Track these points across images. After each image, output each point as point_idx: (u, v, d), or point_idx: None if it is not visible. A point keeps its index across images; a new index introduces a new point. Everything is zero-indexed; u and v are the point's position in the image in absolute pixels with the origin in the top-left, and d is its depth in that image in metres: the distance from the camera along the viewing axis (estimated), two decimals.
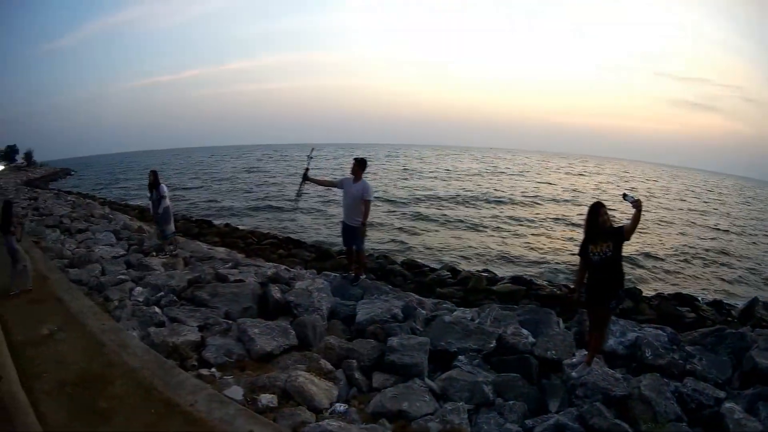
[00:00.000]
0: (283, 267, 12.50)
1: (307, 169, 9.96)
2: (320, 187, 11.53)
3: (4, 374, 5.71)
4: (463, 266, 17.71)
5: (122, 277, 10.36)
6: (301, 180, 10.21)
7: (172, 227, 12.64)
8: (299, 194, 11.16)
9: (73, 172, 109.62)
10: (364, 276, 10.53)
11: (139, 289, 9.53)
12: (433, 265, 17.16)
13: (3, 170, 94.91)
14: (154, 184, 12.21)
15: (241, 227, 24.82)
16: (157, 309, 8.33)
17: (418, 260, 17.72)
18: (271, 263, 13.76)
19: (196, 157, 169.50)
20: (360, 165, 9.58)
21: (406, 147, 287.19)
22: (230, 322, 7.79)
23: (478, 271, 16.27)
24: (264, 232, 23.31)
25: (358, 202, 9.46)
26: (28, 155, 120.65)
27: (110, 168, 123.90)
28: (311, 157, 10.31)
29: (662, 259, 22.19)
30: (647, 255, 22.42)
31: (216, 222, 26.35)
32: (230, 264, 11.80)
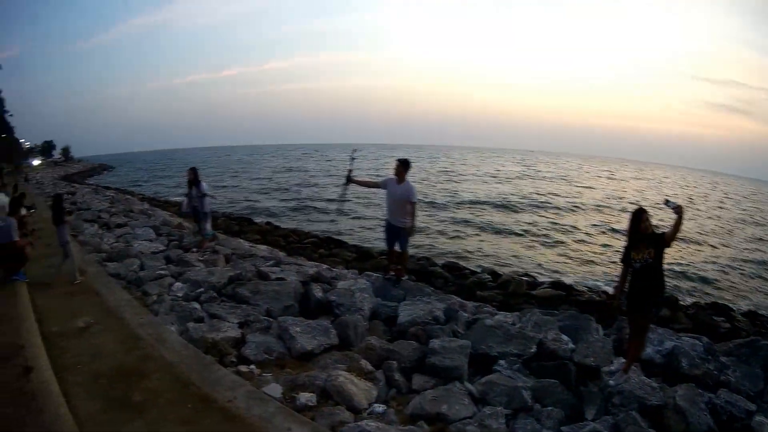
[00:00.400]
0: (325, 266, 12.58)
1: (350, 171, 10.10)
2: (364, 189, 11.47)
3: (36, 365, 5.71)
4: (504, 270, 17.70)
5: (161, 272, 10.51)
6: (344, 182, 10.34)
7: (210, 226, 12.67)
8: (343, 196, 11.32)
9: (111, 168, 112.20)
10: (406, 277, 10.56)
11: (178, 284, 9.64)
12: (474, 268, 17.21)
13: (40, 164, 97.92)
14: (194, 181, 12.21)
15: (282, 226, 25.13)
16: (196, 304, 8.44)
17: (459, 263, 17.72)
18: (312, 262, 13.88)
19: (236, 155, 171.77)
20: (403, 166, 9.66)
21: (448, 149, 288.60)
22: (271, 319, 7.85)
23: (518, 275, 16.33)
24: (305, 231, 23.54)
25: (403, 203, 9.54)
26: (66, 151, 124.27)
27: (148, 165, 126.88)
28: (354, 159, 10.38)
29: (699, 268, 22.13)
30: (685, 263, 22.71)
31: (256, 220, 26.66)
32: (272, 262, 11.93)
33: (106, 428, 4.65)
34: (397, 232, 9.85)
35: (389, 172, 9.93)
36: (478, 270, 16.77)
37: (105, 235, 15.91)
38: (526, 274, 17.07)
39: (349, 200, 11.07)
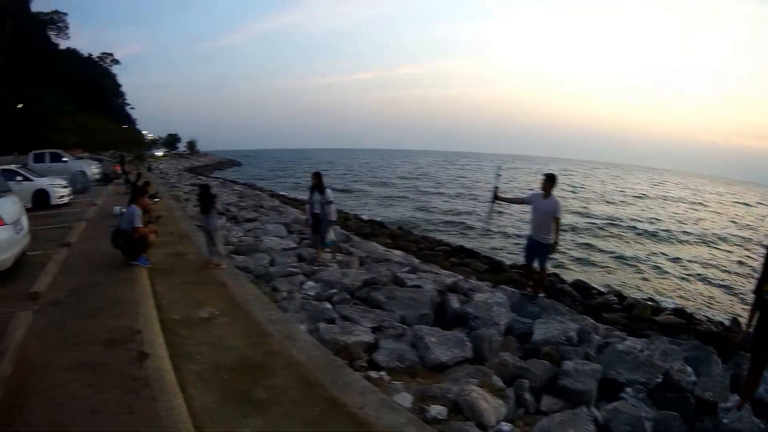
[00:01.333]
0: (461, 277, 12.34)
1: (496, 188, 10.41)
2: (514, 206, 11.38)
3: (152, 352, 5.74)
4: (628, 292, 17.49)
5: (292, 269, 10.74)
6: (491, 199, 10.69)
7: (332, 235, 12.44)
8: (490, 213, 11.48)
9: (238, 164, 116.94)
10: (542, 294, 10.59)
11: (310, 283, 9.82)
12: (601, 288, 17.16)
13: (162, 155, 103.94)
14: (317, 186, 11.97)
15: (414, 231, 25.49)
16: (328, 305, 8.55)
17: (587, 282, 17.69)
18: (447, 272, 13.73)
19: (363, 158, 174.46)
20: (550, 181, 9.79)
21: (578, 163, 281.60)
22: (405, 327, 7.97)
23: (643, 299, 16.22)
24: (437, 239, 23.74)
25: (548, 218, 9.65)
26: (191, 144, 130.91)
27: (274, 163, 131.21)
28: (499, 175, 10.56)
29: None
30: None
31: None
32: (407, 268, 11.92)
33: (222, 423, 4.71)
34: (539, 248, 9.94)
35: (524, 185, 9.90)
36: (605, 290, 16.83)
37: (233, 229, 16.60)
38: (651, 298, 17.01)
39: (496, 215, 10.93)
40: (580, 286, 16.49)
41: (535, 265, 10.33)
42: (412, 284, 10.00)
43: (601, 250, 26.83)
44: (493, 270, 17.11)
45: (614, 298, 15.15)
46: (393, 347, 7.06)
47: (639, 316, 13.15)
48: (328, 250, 12.08)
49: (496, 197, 10.43)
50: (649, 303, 15.23)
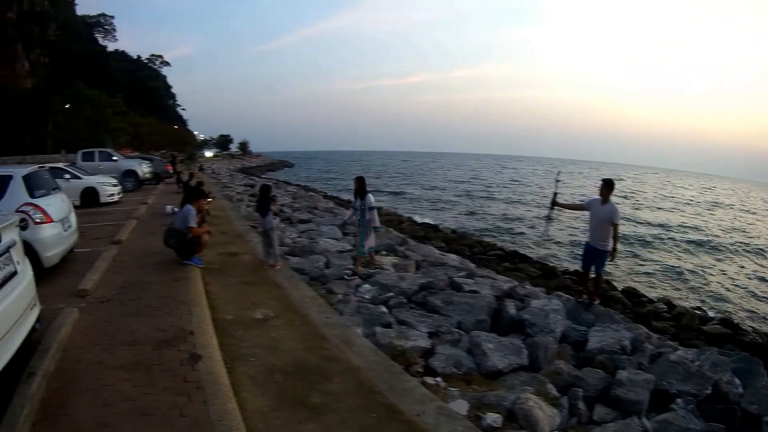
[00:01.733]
0: (517, 283, 12.31)
1: (555, 194, 10.54)
2: (567, 212, 11.24)
3: (205, 354, 5.69)
4: (676, 300, 17.87)
5: (348, 271, 10.77)
6: (549, 206, 10.77)
7: (372, 242, 12.05)
8: (549, 220, 11.30)
9: (291, 165, 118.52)
10: (597, 302, 10.60)
11: (367, 286, 9.84)
12: (651, 296, 17.64)
13: (213, 155, 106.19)
14: (359, 191, 11.67)
15: (467, 235, 26.02)
16: (384, 309, 8.57)
17: (638, 289, 18.12)
18: (504, 277, 13.95)
19: (415, 161, 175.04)
20: (607, 186, 9.84)
21: (629, 167, 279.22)
22: (462, 332, 8.00)
23: (691, 307, 16.66)
24: (490, 243, 24.18)
25: (606, 224, 9.70)
26: (243, 145, 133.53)
27: (325, 165, 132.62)
28: (558, 181, 10.61)
29: None
30: None
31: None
32: (464, 273, 11.91)
33: (276, 428, 4.65)
34: (597, 254, 9.98)
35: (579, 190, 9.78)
36: (655, 299, 17.20)
37: (288, 229, 16.80)
38: (698, 307, 17.39)
39: (554, 223, 10.94)
40: (631, 293, 16.96)
41: (593, 272, 10.37)
42: (469, 289, 10.01)
43: (650, 258, 26.89)
44: (545, 275, 17.68)
45: (663, 306, 15.52)
46: (450, 353, 7.06)
47: (687, 326, 13.54)
48: (363, 259, 11.74)
49: (554, 203, 10.52)
50: (697, 312, 15.72)
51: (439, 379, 6.42)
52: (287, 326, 7.11)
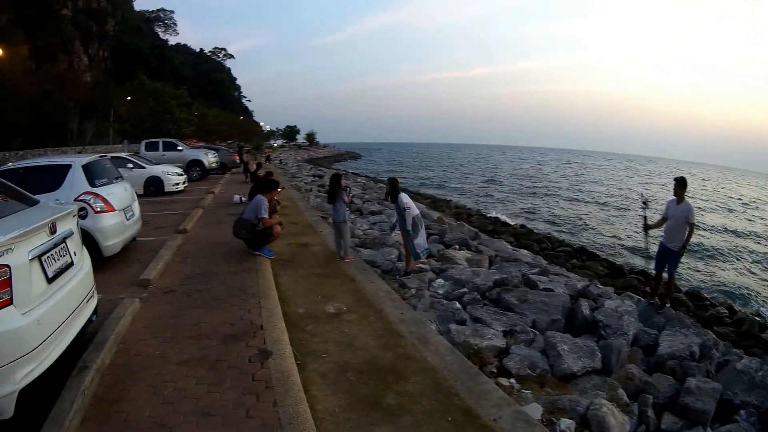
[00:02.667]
0: (590, 282, 12.10)
1: (645, 218, 10.67)
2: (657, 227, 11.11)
3: (276, 350, 5.48)
4: (737, 305, 17.52)
5: (421, 265, 10.62)
6: (644, 233, 11.12)
7: (423, 242, 11.46)
8: (646, 242, 11.71)
9: (359, 156, 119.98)
10: (669, 304, 10.50)
11: (440, 281, 9.68)
12: (713, 300, 17.22)
13: (279, 146, 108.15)
14: (391, 193, 11.14)
15: (535, 230, 26.10)
16: (458, 305, 8.41)
17: (701, 292, 17.85)
18: (577, 275, 13.85)
19: (476, 152, 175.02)
20: (681, 185, 9.88)
21: (692, 164, 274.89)
22: (536, 332, 7.98)
23: (751, 314, 16.30)
24: (559, 239, 24.37)
25: (681, 223, 9.72)
26: (310, 136, 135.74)
27: (392, 156, 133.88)
28: (646, 207, 10.78)
29: None
30: None
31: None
32: (537, 269, 11.76)
33: (347, 429, 4.51)
34: (670, 255, 9.99)
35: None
36: (717, 302, 16.83)
37: (358, 221, 16.82)
38: (758, 313, 17.05)
39: (651, 242, 11.01)
40: (694, 295, 16.75)
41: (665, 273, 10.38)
42: (543, 287, 9.96)
43: (713, 258, 26.59)
44: (612, 274, 17.65)
45: (725, 311, 15.17)
46: (524, 353, 7.01)
47: (748, 332, 13.15)
48: (419, 261, 11.33)
49: (646, 228, 10.65)
50: (757, 319, 15.35)
51: (512, 380, 6.38)
52: (361, 321, 6.90)
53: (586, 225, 32.65)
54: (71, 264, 4.78)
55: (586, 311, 8.87)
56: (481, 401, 5.10)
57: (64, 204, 5.55)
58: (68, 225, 4.92)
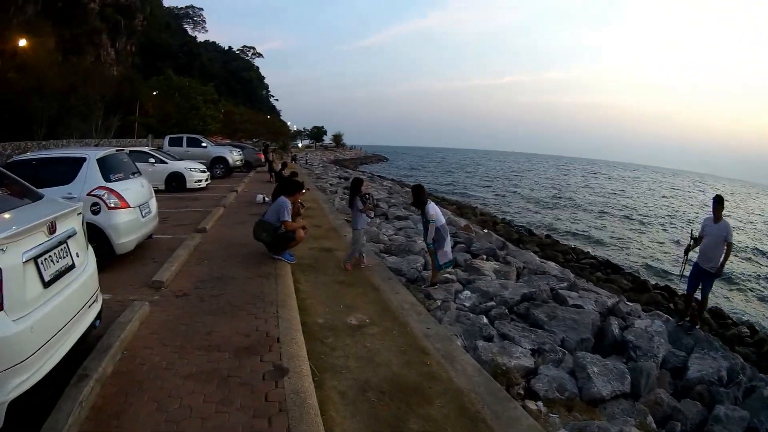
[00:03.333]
0: (618, 299, 11.76)
1: (689, 247, 10.56)
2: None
3: (293, 367, 5.15)
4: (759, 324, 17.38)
5: (448, 275, 10.32)
6: (684, 257, 11.03)
7: (448, 253, 11.08)
8: (683, 267, 11.40)
9: (385, 159, 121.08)
10: (699, 326, 10.36)
11: (467, 293, 9.45)
12: (735, 319, 17.34)
13: (305, 146, 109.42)
14: (415, 203, 10.80)
15: (561, 241, 26.20)
16: (485, 319, 8.17)
17: (724, 310, 17.86)
18: (606, 291, 13.40)
19: (502, 159, 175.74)
20: (720, 204, 9.86)
21: (716, 178, 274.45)
22: (565, 351, 7.74)
23: None
24: (584, 250, 24.35)
25: (719, 243, 9.67)
26: (337, 137, 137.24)
27: (418, 161, 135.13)
28: (693, 238, 10.46)
29: None
30: None
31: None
32: (566, 284, 11.48)
33: None
34: (704, 275, 9.94)
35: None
36: (738, 321, 16.97)
37: (383, 226, 16.54)
38: None
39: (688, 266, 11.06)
40: (716, 313, 16.71)
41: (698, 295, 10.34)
42: (572, 303, 9.74)
43: (740, 278, 25.87)
44: (637, 289, 17.73)
45: (746, 330, 15.16)
46: (553, 375, 6.77)
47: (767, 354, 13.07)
48: (446, 272, 11.00)
49: (687, 251, 10.70)
50: None
51: (540, 403, 6.15)
52: (384, 335, 6.60)
53: (613, 238, 32.55)
54: (72, 266, 4.51)
55: (616, 330, 8.68)
56: (509, 430, 4.82)
57: (70, 201, 5.30)
58: (71, 224, 4.64)
